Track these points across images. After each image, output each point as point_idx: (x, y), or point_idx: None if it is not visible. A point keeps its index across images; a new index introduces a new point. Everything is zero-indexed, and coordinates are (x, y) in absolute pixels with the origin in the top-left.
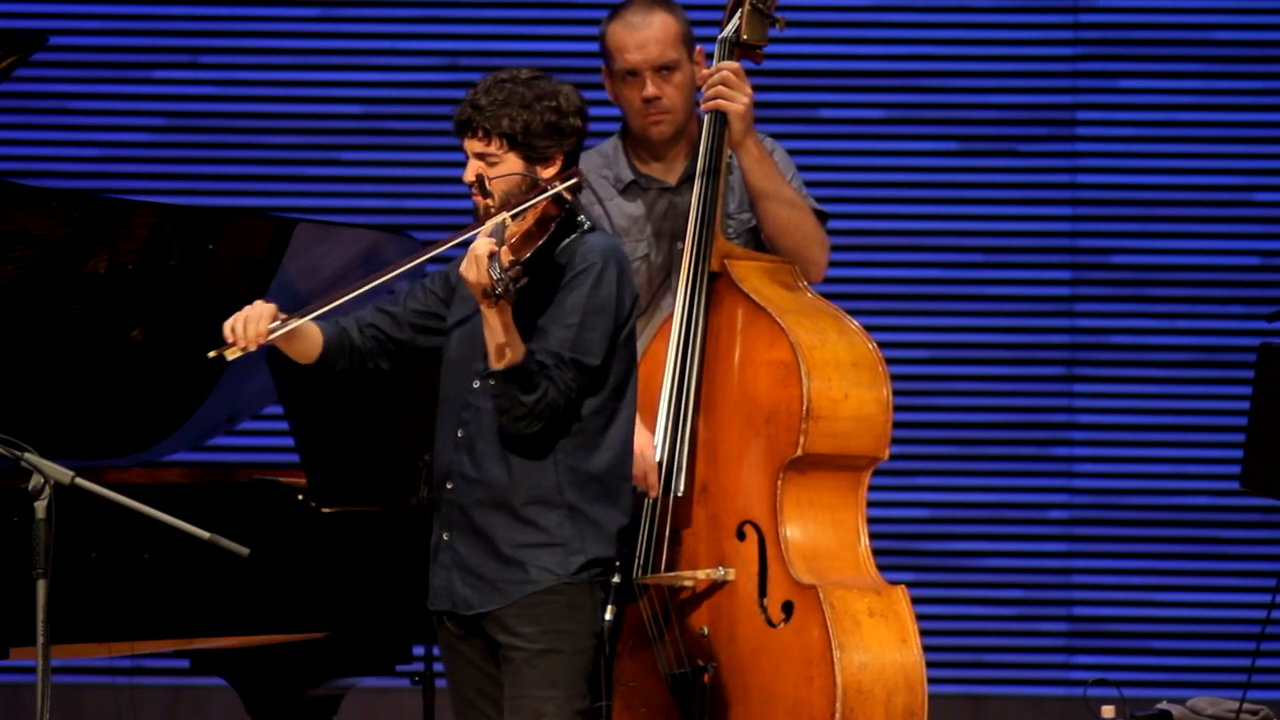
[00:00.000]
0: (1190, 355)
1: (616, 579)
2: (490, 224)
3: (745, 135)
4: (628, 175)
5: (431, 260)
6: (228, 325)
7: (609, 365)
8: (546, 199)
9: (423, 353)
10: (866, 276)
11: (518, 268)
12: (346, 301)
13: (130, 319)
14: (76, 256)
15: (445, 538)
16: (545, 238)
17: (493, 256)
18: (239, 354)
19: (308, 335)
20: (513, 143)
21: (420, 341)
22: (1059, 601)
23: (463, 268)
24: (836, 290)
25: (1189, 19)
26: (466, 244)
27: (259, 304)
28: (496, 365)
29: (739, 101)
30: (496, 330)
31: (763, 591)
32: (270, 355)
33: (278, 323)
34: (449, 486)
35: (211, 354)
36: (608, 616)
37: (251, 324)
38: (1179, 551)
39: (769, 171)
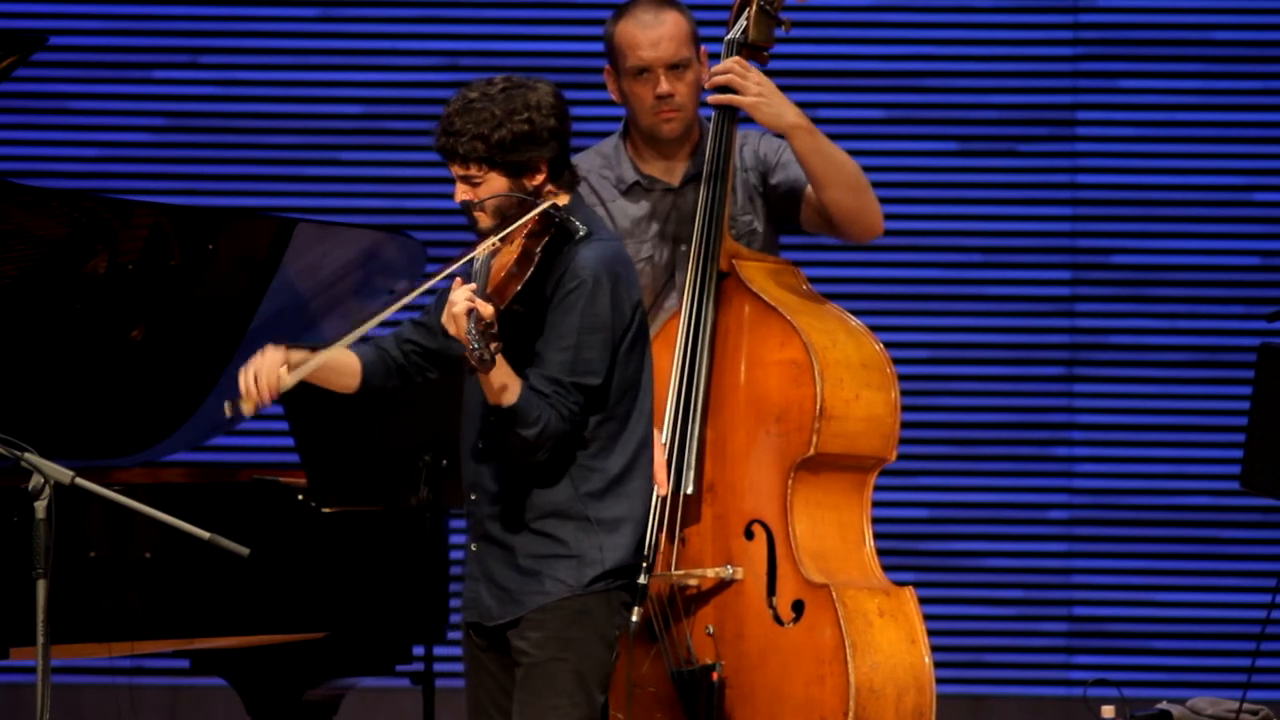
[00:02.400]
0: (1190, 355)
1: (643, 579)
2: (480, 249)
3: (780, 117)
4: (630, 176)
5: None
6: (242, 379)
7: (611, 379)
8: (534, 217)
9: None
10: (866, 276)
11: (492, 332)
12: (354, 336)
13: (130, 319)
14: (76, 256)
15: (473, 548)
16: (531, 270)
17: (470, 314)
18: (253, 409)
19: (342, 368)
20: (491, 164)
21: (455, 348)
22: (1059, 601)
23: (443, 319)
24: (837, 290)
25: (1189, 19)
26: (462, 270)
27: (270, 353)
28: (495, 403)
29: (749, 92)
30: (486, 379)
31: (771, 590)
32: None
33: (285, 370)
34: (473, 498)
35: (227, 410)
36: (634, 619)
37: (263, 376)
38: (1179, 551)
39: (819, 141)
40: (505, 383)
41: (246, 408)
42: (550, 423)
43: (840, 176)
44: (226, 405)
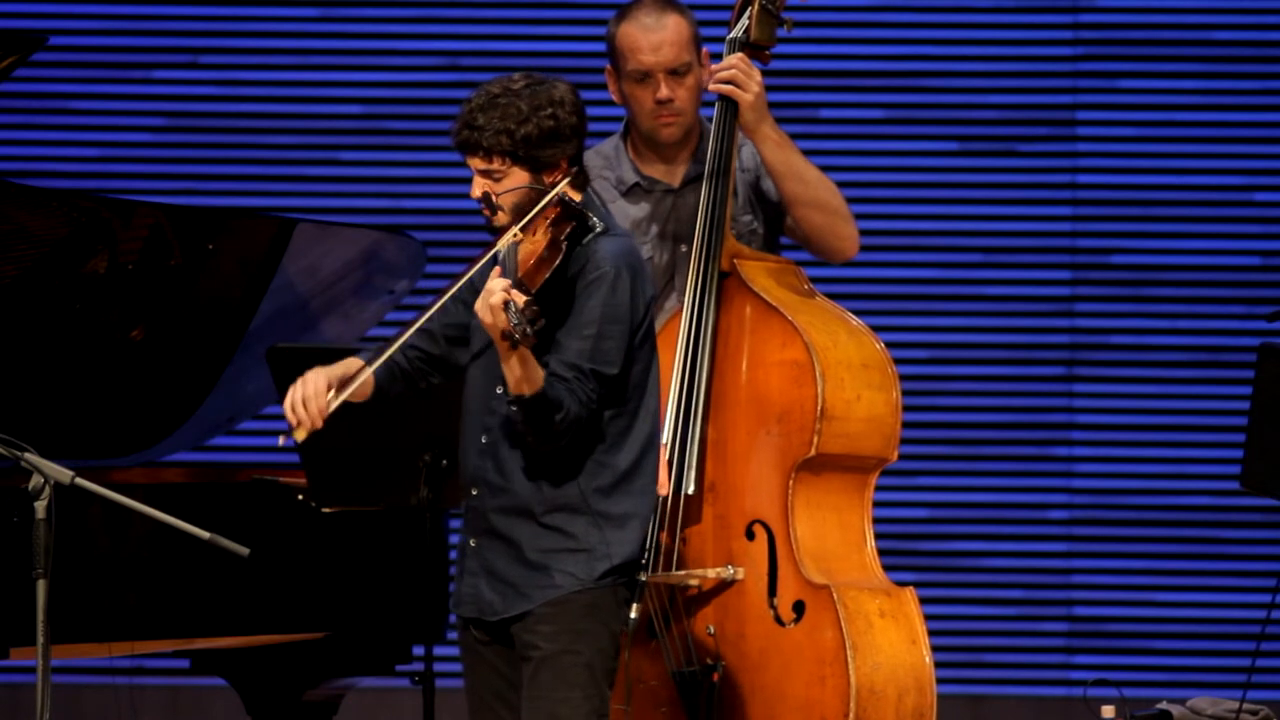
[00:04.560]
0: (1190, 355)
1: (642, 576)
2: (503, 241)
3: (760, 122)
4: (631, 177)
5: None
6: (288, 406)
7: (627, 371)
8: (555, 207)
9: (464, 365)
10: (866, 276)
11: (534, 308)
12: (394, 351)
13: (130, 319)
14: (76, 256)
15: (472, 544)
16: (560, 258)
17: (507, 305)
18: (306, 435)
19: (364, 379)
20: (515, 158)
21: (458, 354)
22: (1059, 601)
23: (477, 309)
24: (837, 290)
25: (1189, 19)
26: (490, 265)
27: (313, 377)
28: (517, 394)
29: (750, 91)
30: (514, 367)
31: (772, 591)
32: (270, 355)
33: (333, 393)
34: (474, 493)
35: (281, 441)
36: (633, 615)
37: (312, 402)
38: (1179, 551)
39: (790, 154)
40: (529, 375)
41: (300, 436)
42: (571, 409)
43: (810, 194)
44: (280, 438)
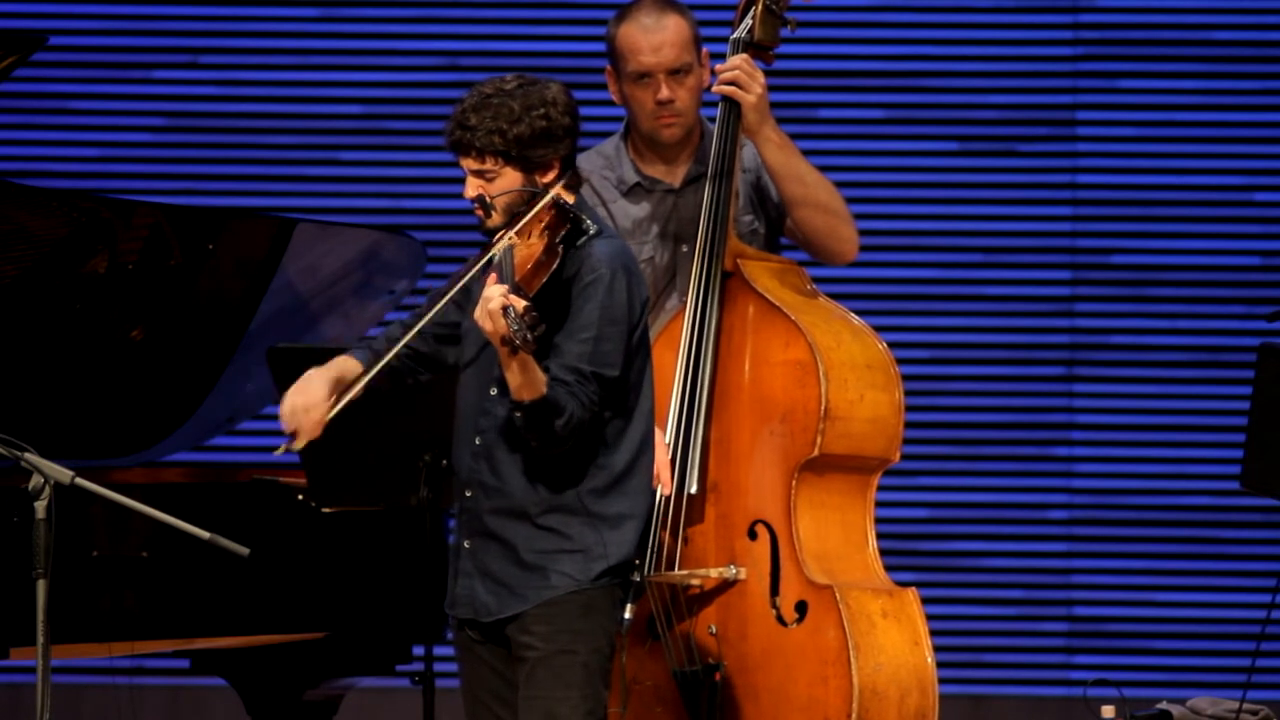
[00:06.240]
0: (1190, 355)
1: (636, 577)
2: (498, 247)
3: (762, 123)
4: (632, 177)
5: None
6: (286, 413)
7: (626, 373)
8: (549, 210)
9: (452, 363)
10: (867, 276)
11: (533, 313)
12: (391, 358)
13: (130, 319)
14: (76, 256)
15: (466, 545)
16: (557, 262)
17: (506, 310)
18: (305, 444)
19: (351, 379)
20: (508, 158)
21: (446, 352)
22: (1059, 601)
23: (477, 316)
24: (836, 290)
25: (1189, 19)
26: (484, 270)
27: (312, 386)
28: (526, 397)
29: (753, 92)
30: (515, 372)
31: (775, 591)
32: (270, 355)
33: (330, 402)
34: (468, 494)
35: (280, 451)
36: (626, 615)
37: (310, 413)
38: (1179, 551)
39: (791, 156)
40: (531, 379)
41: (299, 445)
42: (575, 412)
43: (810, 196)
44: (281, 448)
